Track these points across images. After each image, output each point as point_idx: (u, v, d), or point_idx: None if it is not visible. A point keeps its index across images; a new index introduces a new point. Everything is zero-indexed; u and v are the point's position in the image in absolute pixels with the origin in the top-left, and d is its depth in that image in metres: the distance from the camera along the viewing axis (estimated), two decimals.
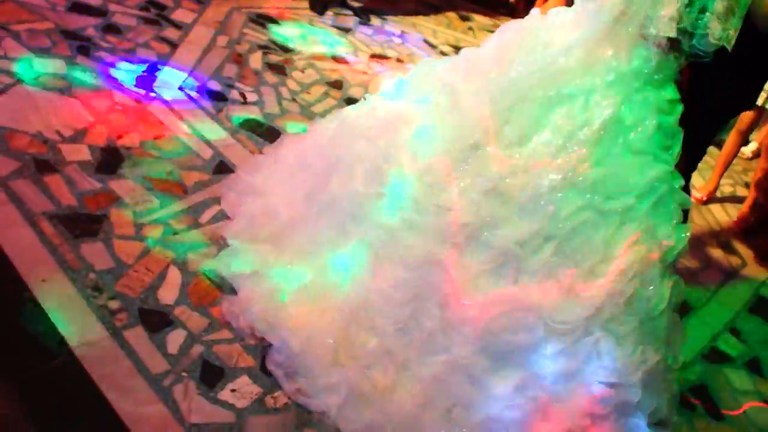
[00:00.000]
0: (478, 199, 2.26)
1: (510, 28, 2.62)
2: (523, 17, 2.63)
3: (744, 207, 4.64)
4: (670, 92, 2.35)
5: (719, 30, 2.23)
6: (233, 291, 2.50)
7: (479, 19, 6.50)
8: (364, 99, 2.85)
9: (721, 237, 4.40)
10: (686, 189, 2.73)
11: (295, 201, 2.71)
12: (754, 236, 4.52)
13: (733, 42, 2.27)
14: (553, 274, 2.21)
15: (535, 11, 2.61)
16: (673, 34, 2.25)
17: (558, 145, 2.26)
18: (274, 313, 2.38)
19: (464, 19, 6.36)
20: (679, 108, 2.35)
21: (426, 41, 5.49)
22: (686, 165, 2.63)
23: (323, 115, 3.80)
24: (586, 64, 2.34)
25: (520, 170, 2.27)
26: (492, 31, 6.10)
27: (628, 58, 2.32)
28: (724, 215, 4.70)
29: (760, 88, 3.24)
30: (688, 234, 2.34)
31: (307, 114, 3.80)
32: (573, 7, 2.49)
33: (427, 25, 5.82)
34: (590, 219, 2.22)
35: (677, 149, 2.34)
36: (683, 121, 2.37)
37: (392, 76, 4.61)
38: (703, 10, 2.24)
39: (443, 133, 2.41)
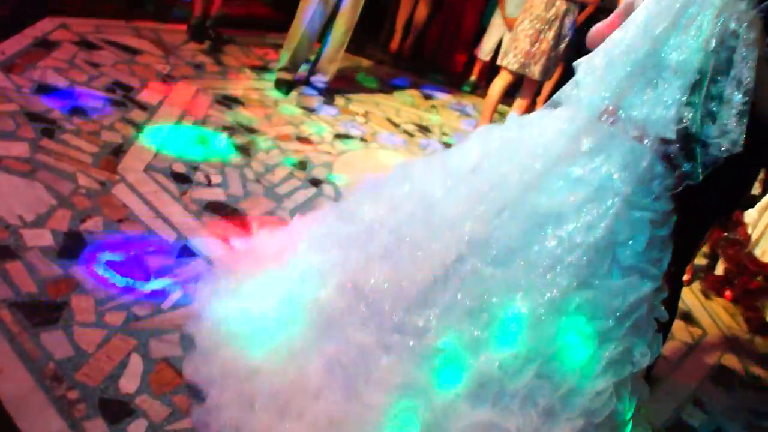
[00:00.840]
0: (458, 320, 2.18)
1: (486, 132, 2.62)
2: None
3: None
4: (665, 204, 2.33)
5: (730, 137, 2.24)
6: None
7: (442, 97, 6.68)
8: (342, 198, 2.77)
9: (681, 309, 4.46)
10: (677, 289, 2.70)
11: (271, 303, 2.58)
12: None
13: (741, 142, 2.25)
14: (533, 396, 2.13)
15: (512, 115, 2.58)
16: (671, 135, 2.26)
17: (543, 269, 2.21)
18: (244, 418, 2.25)
19: (427, 97, 6.53)
20: (673, 220, 2.34)
21: (389, 120, 5.61)
22: (677, 266, 2.57)
23: (288, 196, 3.85)
24: (575, 174, 2.31)
25: (504, 291, 2.20)
26: (455, 109, 6.37)
27: (622, 166, 2.30)
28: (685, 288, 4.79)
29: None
30: (660, 348, 2.32)
31: (272, 196, 3.84)
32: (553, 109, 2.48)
33: (390, 104, 5.96)
34: (571, 341, 2.17)
35: (667, 260, 2.32)
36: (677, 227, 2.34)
37: (358, 156, 4.72)
38: (712, 115, 2.26)
39: (420, 245, 2.34)
